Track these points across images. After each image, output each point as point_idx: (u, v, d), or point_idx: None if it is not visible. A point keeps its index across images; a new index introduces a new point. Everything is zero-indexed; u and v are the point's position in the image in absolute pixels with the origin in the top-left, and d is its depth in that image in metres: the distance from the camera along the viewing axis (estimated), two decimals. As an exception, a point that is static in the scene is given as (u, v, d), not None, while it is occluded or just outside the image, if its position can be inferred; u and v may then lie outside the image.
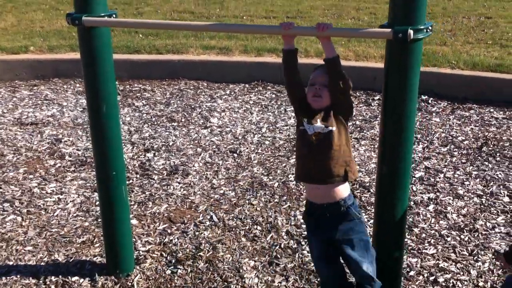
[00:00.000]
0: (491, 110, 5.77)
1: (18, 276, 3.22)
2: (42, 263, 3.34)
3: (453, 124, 5.44)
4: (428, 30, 2.36)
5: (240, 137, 5.15)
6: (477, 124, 5.42)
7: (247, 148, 4.90)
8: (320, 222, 2.53)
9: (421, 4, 2.31)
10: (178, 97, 6.27)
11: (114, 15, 2.82)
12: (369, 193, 4.11)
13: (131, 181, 4.34)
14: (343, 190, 2.49)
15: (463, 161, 4.64)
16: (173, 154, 4.81)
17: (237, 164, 4.62)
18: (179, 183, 4.31)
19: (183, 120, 5.59)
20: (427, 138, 5.11)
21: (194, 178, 4.39)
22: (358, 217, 2.51)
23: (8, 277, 3.21)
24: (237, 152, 4.83)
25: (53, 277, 3.20)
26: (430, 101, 6.04)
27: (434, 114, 5.72)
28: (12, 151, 4.91)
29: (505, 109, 5.74)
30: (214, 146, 4.97)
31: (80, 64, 2.97)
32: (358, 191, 4.16)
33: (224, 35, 7.94)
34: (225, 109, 5.90)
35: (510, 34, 7.90)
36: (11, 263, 3.34)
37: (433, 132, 5.24)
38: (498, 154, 4.74)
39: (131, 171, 4.51)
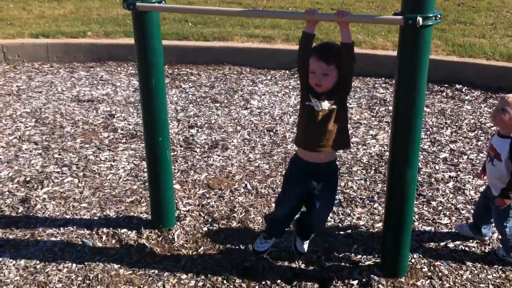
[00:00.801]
0: (523, 100, 5.94)
1: (74, 227, 3.68)
2: (95, 218, 3.80)
3: (484, 111, 5.66)
4: (437, 18, 2.65)
5: (277, 118, 5.52)
6: (507, 113, 5.61)
7: (283, 128, 5.26)
8: (308, 171, 2.97)
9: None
10: (222, 81, 6.69)
11: (163, 1, 3.23)
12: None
13: (175, 152, 4.77)
14: (333, 155, 3.00)
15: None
16: (215, 131, 5.22)
17: (272, 141, 4.99)
18: (218, 155, 4.71)
19: (225, 101, 6.00)
20: (456, 124, 5.35)
21: (232, 152, 4.78)
22: (337, 177, 3.09)
23: (65, 228, 3.67)
24: (274, 131, 5.21)
25: (104, 229, 3.65)
26: (464, 90, 6.25)
27: (466, 102, 5.94)
28: (70, 124, 5.42)
29: (536, 99, 5.90)
30: (253, 125, 5.35)
31: (132, 49, 3.39)
32: (384, 167, 4.46)
33: (268, 25, 8.31)
34: (265, 92, 6.27)
35: (551, 28, 7.98)
36: (68, 216, 3.82)
37: (462, 118, 5.48)
38: (523, 140, 4.95)
39: (176, 144, 4.94)
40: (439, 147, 4.85)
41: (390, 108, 5.74)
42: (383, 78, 6.59)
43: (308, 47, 2.85)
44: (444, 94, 6.18)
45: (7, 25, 8.62)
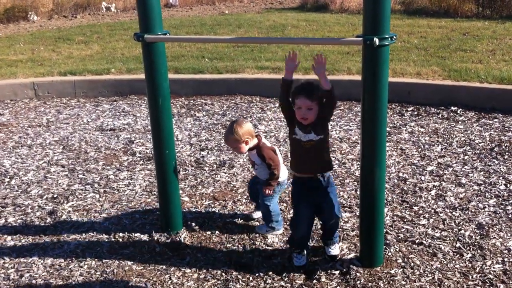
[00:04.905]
0: (514, 118, 6.36)
1: (94, 232, 4.20)
2: (113, 225, 4.31)
3: (475, 130, 6.07)
4: (393, 39, 3.15)
5: (281, 140, 6.02)
6: (497, 130, 6.02)
7: (286, 148, 5.75)
8: (307, 187, 3.49)
9: (384, 19, 3.08)
10: (233, 109, 7.24)
11: (167, 34, 3.79)
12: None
13: (187, 171, 5.29)
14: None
15: (473, 158, 5.29)
16: (223, 152, 5.73)
17: (275, 160, 5.48)
18: (225, 173, 5.22)
19: (235, 127, 6.53)
20: (447, 141, 5.78)
21: (238, 169, 5.28)
22: (333, 185, 3.53)
23: (87, 233, 4.19)
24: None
25: (120, 233, 4.15)
26: (458, 112, 6.68)
27: (460, 122, 6.36)
28: (94, 149, 6.00)
29: (527, 117, 6.32)
30: (258, 147, 5.86)
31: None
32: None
33: (279, 58, 8.89)
34: (272, 118, 6.79)
35: (547, 53, 8.38)
36: (89, 225, 4.34)
37: (454, 136, 5.90)
38: (507, 154, 5.35)
39: (187, 164, 5.47)
40: (428, 161, 5.27)
41: (387, 129, 6.18)
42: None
43: (289, 92, 3.41)
44: (440, 115, 6.62)
45: (38, 65, 9.38)
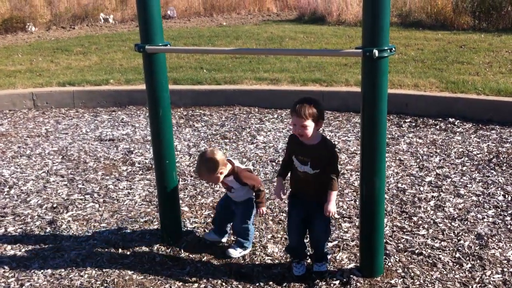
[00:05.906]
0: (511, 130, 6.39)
1: (95, 242, 4.20)
2: (113, 235, 4.31)
3: (473, 141, 6.10)
4: (392, 50, 3.18)
5: (280, 151, 6.04)
6: (494, 142, 6.06)
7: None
8: (301, 201, 3.57)
9: (383, 31, 3.11)
10: (232, 120, 7.27)
11: (168, 45, 3.82)
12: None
13: (186, 181, 5.30)
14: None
15: (472, 169, 5.32)
16: (222, 163, 5.74)
17: (274, 170, 5.50)
18: (224, 183, 5.23)
19: (234, 137, 6.56)
20: (446, 152, 5.81)
21: (237, 180, 5.29)
22: None
23: (87, 243, 4.19)
24: (276, 161, 5.72)
25: (120, 243, 4.15)
26: (456, 123, 6.72)
27: (457, 133, 6.40)
28: (93, 159, 6.01)
29: (524, 129, 6.36)
30: (257, 157, 5.88)
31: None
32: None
33: (277, 69, 8.94)
34: (271, 129, 6.82)
35: (543, 65, 8.45)
36: (89, 234, 4.34)
37: (452, 148, 5.93)
38: (505, 165, 5.38)
39: (187, 174, 5.48)
40: (426, 172, 5.30)
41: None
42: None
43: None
44: (437, 127, 6.66)
45: (36, 76, 9.41)
